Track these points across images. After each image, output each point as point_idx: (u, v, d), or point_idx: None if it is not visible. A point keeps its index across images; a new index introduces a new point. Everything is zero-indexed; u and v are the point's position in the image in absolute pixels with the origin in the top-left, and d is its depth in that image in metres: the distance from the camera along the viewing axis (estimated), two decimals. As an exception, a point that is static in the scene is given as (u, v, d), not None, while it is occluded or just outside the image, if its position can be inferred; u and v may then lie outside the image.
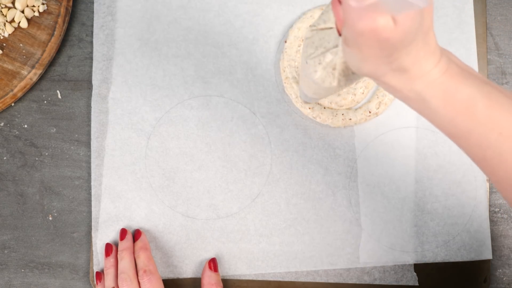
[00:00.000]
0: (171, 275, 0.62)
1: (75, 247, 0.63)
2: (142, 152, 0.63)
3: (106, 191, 0.62)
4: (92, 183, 0.62)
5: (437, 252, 0.61)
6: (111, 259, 0.59)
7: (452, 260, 0.61)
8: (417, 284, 0.61)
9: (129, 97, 0.63)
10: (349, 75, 0.42)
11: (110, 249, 0.60)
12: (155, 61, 0.64)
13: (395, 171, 0.62)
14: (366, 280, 0.61)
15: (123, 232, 0.60)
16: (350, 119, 0.61)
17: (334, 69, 0.41)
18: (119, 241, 0.60)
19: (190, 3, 0.64)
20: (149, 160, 0.63)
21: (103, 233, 0.62)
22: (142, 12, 0.64)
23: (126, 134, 0.63)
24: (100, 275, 0.60)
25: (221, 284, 0.59)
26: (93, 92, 0.63)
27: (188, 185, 0.62)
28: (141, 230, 0.61)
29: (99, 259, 0.62)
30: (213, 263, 0.60)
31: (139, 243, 0.59)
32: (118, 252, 0.59)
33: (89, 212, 0.63)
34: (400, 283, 0.60)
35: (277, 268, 0.61)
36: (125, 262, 0.57)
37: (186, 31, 0.64)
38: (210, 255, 0.61)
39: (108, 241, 0.62)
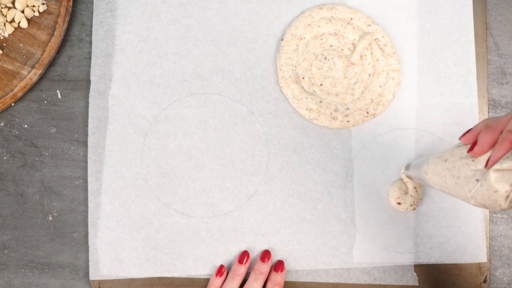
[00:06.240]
0: (165, 273, 0.62)
1: (75, 247, 0.63)
2: (139, 149, 0.63)
3: (102, 187, 0.62)
4: (88, 179, 0.62)
5: (431, 254, 0.61)
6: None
7: (446, 262, 0.61)
8: (417, 284, 0.61)
9: (127, 94, 0.63)
10: None
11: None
12: (154, 58, 0.64)
13: (391, 172, 0.62)
14: (366, 280, 0.61)
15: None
16: (348, 121, 0.61)
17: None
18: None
19: (190, 1, 0.64)
20: (145, 157, 0.63)
21: (99, 229, 0.62)
22: (142, 9, 0.64)
23: (123, 131, 0.63)
24: (222, 269, 0.61)
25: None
26: (91, 88, 0.63)
27: (184, 183, 0.62)
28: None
29: (95, 256, 0.62)
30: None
31: (280, 277, 0.60)
32: (253, 273, 0.60)
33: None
34: (400, 283, 0.61)
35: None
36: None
37: (186, 29, 0.64)
38: (205, 253, 0.62)
39: (103, 237, 0.62)
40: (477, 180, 0.39)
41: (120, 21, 0.64)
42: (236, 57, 0.63)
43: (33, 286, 0.63)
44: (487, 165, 0.38)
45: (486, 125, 0.41)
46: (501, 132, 0.39)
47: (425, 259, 0.61)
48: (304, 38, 0.62)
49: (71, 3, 0.63)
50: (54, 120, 0.64)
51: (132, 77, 0.63)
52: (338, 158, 0.62)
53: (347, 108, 0.61)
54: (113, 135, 0.63)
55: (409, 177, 0.58)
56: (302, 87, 0.62)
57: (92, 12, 0.65)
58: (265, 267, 0.60)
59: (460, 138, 0.43)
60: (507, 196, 0.38)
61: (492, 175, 0.38)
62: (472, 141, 0.42)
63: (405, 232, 0.61)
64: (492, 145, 0.39)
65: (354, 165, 0.62)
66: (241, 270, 0.60)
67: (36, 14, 0.62)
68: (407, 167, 0.58)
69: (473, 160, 0.41)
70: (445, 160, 0.44)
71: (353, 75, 0.62)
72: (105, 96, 0.63)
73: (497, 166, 0.38)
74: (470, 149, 0.41)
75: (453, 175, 0.42)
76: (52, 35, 0.62)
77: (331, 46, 0.62)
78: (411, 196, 0.60)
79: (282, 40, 0.62)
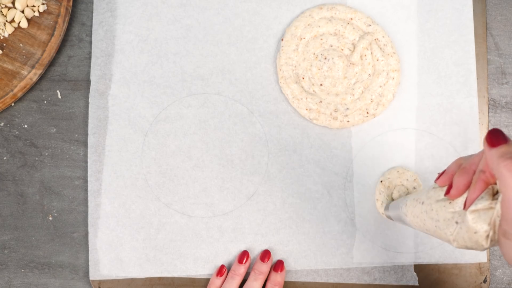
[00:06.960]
0: (165, 273, 0.62)
1: (75, 247, 0.63)
2: (139, 149, 0.63)
3: (102, 187, 0.62)
4: (88, 179, 0.62)
5: (431, 254, 0.61)
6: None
7: (446, 262, 0.61)
8: (417, 284, 0.61)
9: (127, 94, 0.63)
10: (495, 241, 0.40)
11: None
12: (154, 58, 0.64)
13: (391, 172, 0.62)
14: (366, 280, 0.61)
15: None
16: (348, 121, 0.61)
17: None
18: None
19: (190, 1, 0.64)
20: (145, 157, 0.63)
21: (99, 229, 0.62)
22: (142, 9, 0.64)
23: (123, 131, 0.63)
24: (223, 268, 0.61)
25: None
26: (91, 88, 0.63)
27: (184, 183, 0.62)
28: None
29: (95, 256, 0.62)
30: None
31: (280, 277, 0.60)
32: (253, 273, 0.60)
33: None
34: (400, 283, 0.61)
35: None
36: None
37: (186, 29, 0.64)
38: (205, 253, 0.62)
39: (103, 237, 0.62)
40: (457, 223, 0.39)
41: (120, 21, 0.64)
42: (236, 57, 0.63)
43: (33, 286, 0.63)
44: (465, 206, 0.38)
45: (459, 166, 0.41)
46: (474, 172, 0.39)
47: (425, 259, 0.61)
48: (304, 38, 0.62)
49: (71, 3, 0.63)
50: (54, 120, 0.64)
51: (132, 77, 0.63)
52: (338, 158, 0.62)
53: (347, 108, 0.61)
54: (113, 135, 0.63)
55: (389, 217, 0.57)
56: (302, 87, 0.62)
57: (92, 12, 0.65)
58: (265, 267, 0.60)
59: (435, 181, 0.43)
60: (487, 236, 0.37)
61: (469, 216, 0.38)
62: (447, 183, 0.42)
63: (405, 232, 0.61)
64: (468, 186, 0.39)
65: (354, 165, 0.62)
66: (241, 270, 0.60)
67: (36, 14, 0.62)
68: (387, 207, 0.57)
69: (450, 202, 0.41)
70: (422, 203, 0.44)
71: (353, 75, 0.62)
72: (105, 96, 0.63)
73: (472, 207, 0.38)
74: (447, 193, 0.41)
75: (432, 218, 0.42)
76: (52, 35, 0.62)
77: (331, 46, 0.62)
78: None
79: (282, 40, 0.62)
